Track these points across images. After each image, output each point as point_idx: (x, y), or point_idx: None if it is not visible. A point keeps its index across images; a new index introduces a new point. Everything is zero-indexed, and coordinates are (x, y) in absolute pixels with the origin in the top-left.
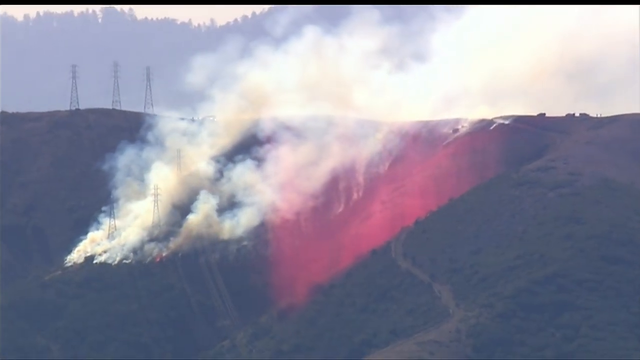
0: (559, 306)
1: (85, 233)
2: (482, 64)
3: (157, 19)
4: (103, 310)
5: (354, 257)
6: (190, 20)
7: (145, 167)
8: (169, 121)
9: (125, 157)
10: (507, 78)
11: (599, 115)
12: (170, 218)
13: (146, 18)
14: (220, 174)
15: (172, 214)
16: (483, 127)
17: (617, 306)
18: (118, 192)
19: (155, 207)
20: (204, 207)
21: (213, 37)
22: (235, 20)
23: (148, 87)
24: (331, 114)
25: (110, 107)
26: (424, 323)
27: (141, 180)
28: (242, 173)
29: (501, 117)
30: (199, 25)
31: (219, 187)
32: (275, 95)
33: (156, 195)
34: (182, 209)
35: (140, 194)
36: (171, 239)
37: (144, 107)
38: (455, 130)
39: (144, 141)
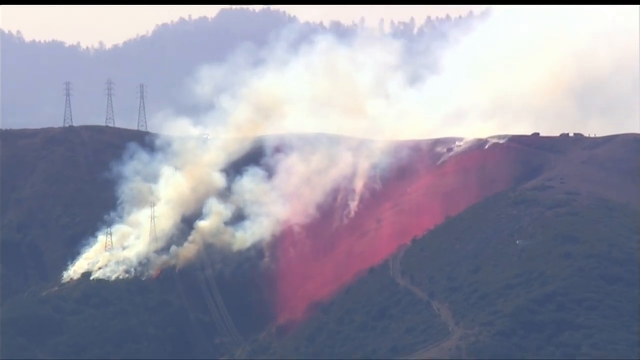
0: (558, 325)
1: (95, 236)
2: (491, 81)
3: (44, 41)
4: (102, 326)
5: (353, 274)
6: (78, 42)
7: (151, 176)
8: (165, 138)
9: (135, 163)
10: (516, 96)
11: (592, 136)
12: (176, 228)
13: (34, 40)
14: (228, 189)
15: (177, 226)
16: (478, 146)
17: (617, 325)
18: (123, 197)
19: (153, 223)
20: (215, 214)
21: (102, 59)
22: (125, 42)
23: (142, 104)
24: (337, 129)
25: (104, 124)
26: (424, 341)
27: (148, 189)
28: (248, 185)
29: (496, 137)
30: (87, 47)
31: (226, 199)
32: (283, 107)
33: (152, 211)
34: (188, 220)
35: (147, 202)
36: (176, 247)
37: (137, 124)
38: (450, 150)
39: (152, 149)
